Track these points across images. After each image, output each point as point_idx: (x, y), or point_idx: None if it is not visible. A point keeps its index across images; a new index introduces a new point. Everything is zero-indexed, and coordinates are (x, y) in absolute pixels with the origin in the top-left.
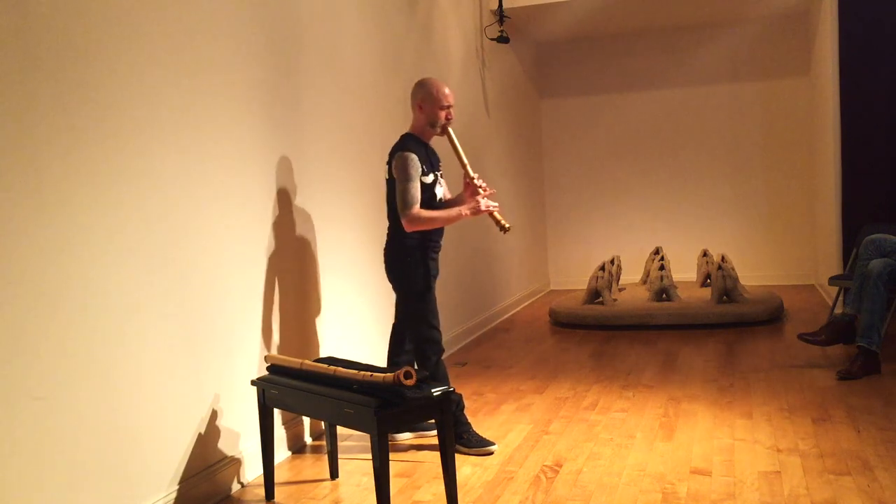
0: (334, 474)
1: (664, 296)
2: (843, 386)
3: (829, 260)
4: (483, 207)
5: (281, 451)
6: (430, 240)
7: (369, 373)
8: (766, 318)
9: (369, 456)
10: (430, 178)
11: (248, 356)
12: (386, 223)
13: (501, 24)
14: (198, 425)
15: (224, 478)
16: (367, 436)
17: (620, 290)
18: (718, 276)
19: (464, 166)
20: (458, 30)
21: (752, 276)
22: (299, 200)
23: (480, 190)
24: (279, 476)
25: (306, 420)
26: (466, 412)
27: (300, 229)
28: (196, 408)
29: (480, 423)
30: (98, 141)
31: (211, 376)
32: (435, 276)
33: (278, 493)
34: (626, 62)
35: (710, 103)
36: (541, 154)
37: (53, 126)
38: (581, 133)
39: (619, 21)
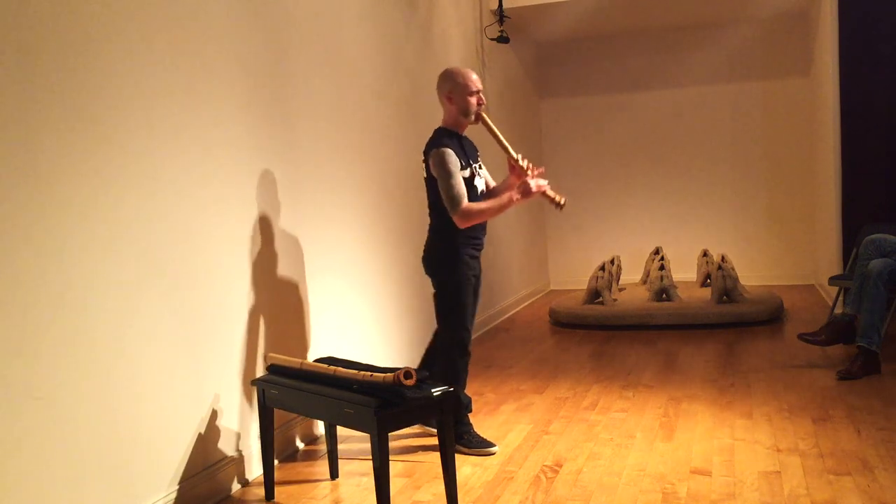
0: (334, 474)
1: (664, 296)
2: (843, 386)
3: (829, 260)
4: (534, 189)
5: (281, 452)
6: (472, 237)
7: (369, 373)
8: (766, 318)
9: (369, 456)
10: (466, 173)
11: (248, 356)
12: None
13: (501, 24)
14: (198, 425)
15: (224, 478)
16: (367, 436)
17: (620, 290)
18: (718, 276)
19: (506, 150)
20: (458, 30)
21: (752, 276)
22: (299, 200)
23: (528, 171)
24: (279, 476)
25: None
26: None
27: (300, 229)
28: (196, 408)
29: (481, 423)
30: (98, 142)
31: (211, 376)
32: (477, 276)
33: (278, 493)
34: (626, 62)
35: (710, 103)
36: (541, 154)
37: (53, 127)
38: (581, 133)
39: (620, 21)
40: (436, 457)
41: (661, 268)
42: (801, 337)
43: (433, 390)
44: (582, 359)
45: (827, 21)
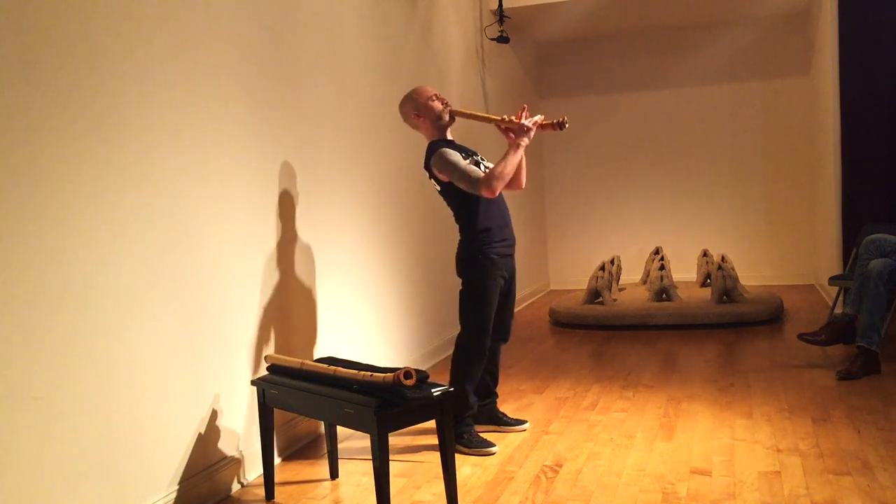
0: (334, 474)
1: (664, 296)
2: (843, 386)
3: (829, 260)
4: (529, 125)
5: (281, 452)
6: (499, 237)
7: (369, 373)
8: (766, 318)
9: (369, 456)
10: (469, 161)
11: (248, 356)
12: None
13: (501, 24)
14: (198, 425)
15: (224, 478)
16: (367, 436)
17: (620, 290)
18: (718, 276)
19: (489, 119)
20: (458, 30)
21: (752, 276)
22: (299, 200)
23: (517, 120)
24: (279, 476)
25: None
26: None
27: (300, 230)
28: (196, 408)
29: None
30: (98, 142)
31: (211, 376)
32: (507, 277)
33: (278, 493)
34: (626, 62)
35: (710, 103)
36: (541, 154)
37: (53, 127)
38: (581, 133)
39: (620, 21)
40: (436, 457)
41: (661, 268)
42: (801, 337)
43: (433, 390)
44: (582, 359)
45: (827, 21)
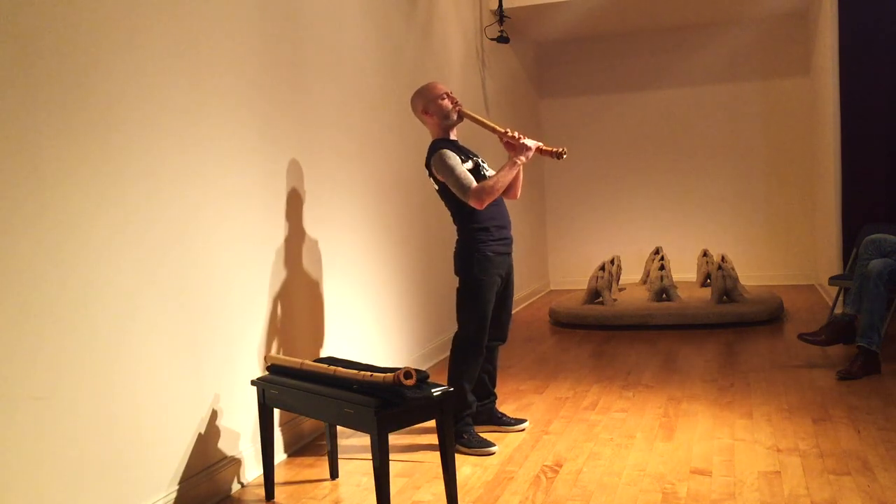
0: (334, 474)
1: (664, 296)
2: (843, 386)
3: (829, 260)
4: (531, 146)
5: (280, 452)
6: (497, 236)
7: (369, 373)
8: (766, 318)
9: (369, 456)
10: (470, 165)
11: (248, 356)
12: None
13: (501, 24)
14: (198, 425)
15: (224, 478)
16: (367, 436)
17: (620, 290)
18: (718, 276)
19: (493, 129)
20: (458, 30)
21: (752, 276)
22: (299, 200)
23: (520, 138)
24: (279, 476)
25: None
26: None
27: (300, 229)
28: (196, 408)
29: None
30: (98, 141)
31: (211, 376)
32: (503, 276)
33: (278, 493)
34: (626, 62)
35: (710, 103)
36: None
37: (53, 126)
38: (581, 133)
39: (620, 21)
40: (436, 457)
41: (661, 268)
42: (801, 337)
43: (433, 390)
44: (582, 359)
45: (827, 21)
